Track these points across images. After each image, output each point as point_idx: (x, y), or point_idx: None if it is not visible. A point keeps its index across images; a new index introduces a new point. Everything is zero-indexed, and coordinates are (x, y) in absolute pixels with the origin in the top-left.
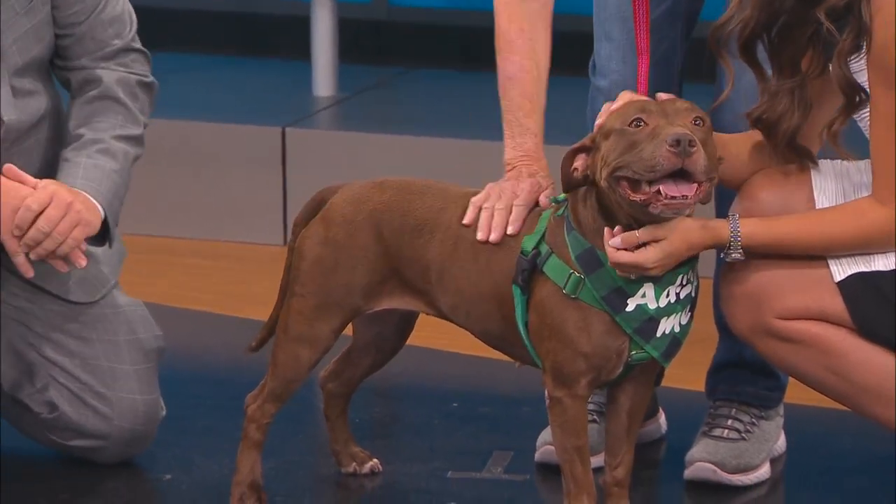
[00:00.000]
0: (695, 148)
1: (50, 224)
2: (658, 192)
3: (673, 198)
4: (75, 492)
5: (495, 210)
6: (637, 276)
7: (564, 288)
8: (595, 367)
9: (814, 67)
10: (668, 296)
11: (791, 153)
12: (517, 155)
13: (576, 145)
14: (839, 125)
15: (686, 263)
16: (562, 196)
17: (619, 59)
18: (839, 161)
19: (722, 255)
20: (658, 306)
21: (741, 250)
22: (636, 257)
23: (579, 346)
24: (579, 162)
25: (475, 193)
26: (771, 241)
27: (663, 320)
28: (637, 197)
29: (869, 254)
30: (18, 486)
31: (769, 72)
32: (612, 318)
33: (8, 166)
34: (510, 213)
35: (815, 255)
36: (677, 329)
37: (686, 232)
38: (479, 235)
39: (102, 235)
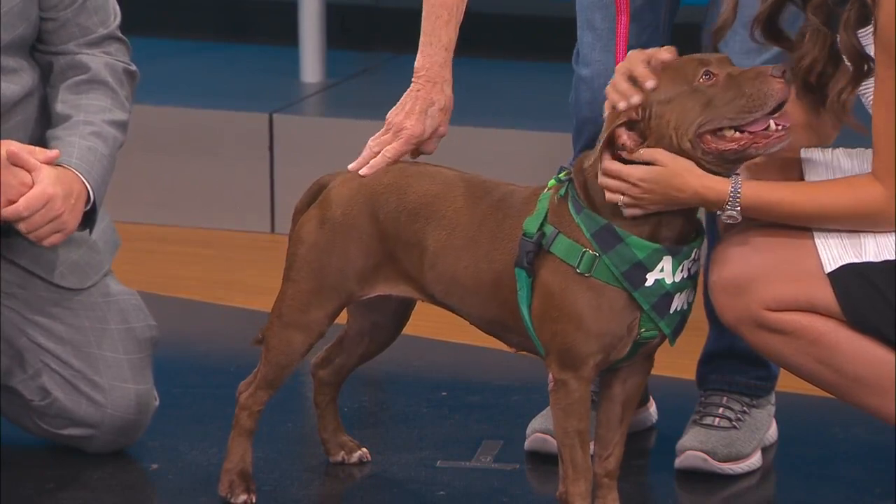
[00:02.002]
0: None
1: (30, 229)
2: (766, 127)
3: (785, 127)
4: (61, 481)
5: (371, 149)
6: (616, 199)
7: (578, 267)
8: (605, 348)
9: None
10: (682, 270)
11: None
12: (424, 66)
13: (618, 124)
14: (847, 94)
15: (697, 238)
16: (562, 175)
17: (601, 49)
18: (829, 150)
19: (718, 213)
20: (674, 281)
21: (738, 209)
22: (623, 167)
23: (592, 326)
24: (625, 138)
25: (474, 178)
26: (769, 206)
27: (677, 296)
28: (731, 145)
29: (859, 232)
30: (5, 476)
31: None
32: (627, 295)
33: (12, 151)
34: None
35: (805, 246)
36: (685, 306)
37: (686, 172)
38: (350, 165)
39: (86, 219)
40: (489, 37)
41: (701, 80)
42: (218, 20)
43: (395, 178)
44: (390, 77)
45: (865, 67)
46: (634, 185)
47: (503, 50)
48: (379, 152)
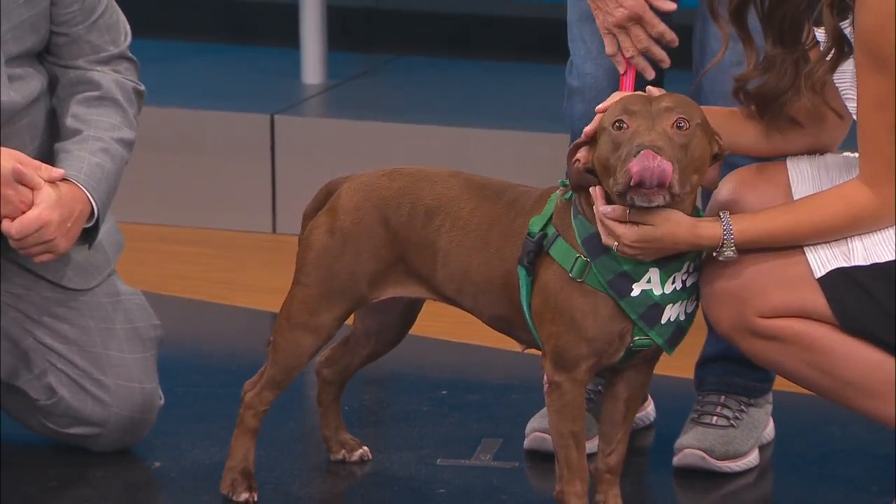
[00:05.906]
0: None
1: (20, 248)
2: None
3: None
4: (65, 479)
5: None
6: (613, 248)
7: (570, 271)
8: (596, 352)
9: (812, 39)
10: (673, 282)
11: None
12: None
13: (578, 140)
14: (823, 72)
15: (692, 251)
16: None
17: (592, 62)
18: (815, 156)
19: (714, 254)
20: (663, 293)
21: (734, 248)
22: (615, 226)
23: (583, 330)
24: (581, 154)
25: (488, 181)
26: (763, 237)
27: (668, 307)
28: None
29: (849, 237)
30: (7, 474)
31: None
32: (617, 303)
33: (18, 169)
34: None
35: (795, 252)
36: (682, 317)
37: (675, 225)
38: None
39: (87, 233)
40: (485, 38)
41: (614, 125)
42: (219, 22)
43: (406, 184)
44: (391, 78)
45: (845, 49)
46: (628, 246)
47: (499, 52)
48: (645, 48)
